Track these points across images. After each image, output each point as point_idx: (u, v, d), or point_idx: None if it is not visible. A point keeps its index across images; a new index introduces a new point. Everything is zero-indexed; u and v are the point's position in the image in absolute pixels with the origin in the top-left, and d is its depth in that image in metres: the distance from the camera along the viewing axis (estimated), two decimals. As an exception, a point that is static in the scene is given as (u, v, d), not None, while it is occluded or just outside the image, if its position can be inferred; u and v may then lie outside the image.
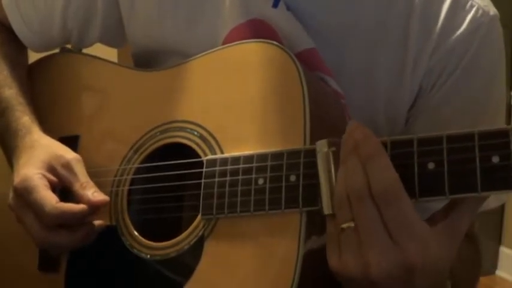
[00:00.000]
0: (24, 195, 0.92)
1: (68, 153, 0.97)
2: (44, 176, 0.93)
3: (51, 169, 0.95)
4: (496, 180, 0.72)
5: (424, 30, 0.95)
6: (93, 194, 0.93)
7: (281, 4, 0.96)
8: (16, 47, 1.13)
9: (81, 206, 0.91)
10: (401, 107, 0.97)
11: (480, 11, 0.95)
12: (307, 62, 0.92)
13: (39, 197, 0.91)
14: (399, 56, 0.95)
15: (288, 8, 0.96)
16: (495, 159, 0.72)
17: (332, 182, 0.76)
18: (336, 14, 0.96)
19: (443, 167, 0.74)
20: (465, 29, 0.94)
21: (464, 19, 0.94)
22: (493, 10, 0.96)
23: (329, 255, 0.75)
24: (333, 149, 0.77)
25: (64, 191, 0.95)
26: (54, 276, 0.99)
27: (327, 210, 0.77)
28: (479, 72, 0.95)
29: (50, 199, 0.91)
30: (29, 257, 1.01)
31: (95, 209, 0.93)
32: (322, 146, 0.78)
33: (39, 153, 0.96)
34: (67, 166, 0.95)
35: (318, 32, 0.95)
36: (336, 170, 0.76)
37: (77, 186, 0.94)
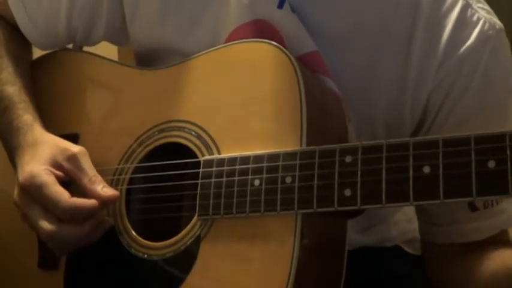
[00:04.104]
0: (32, 192, 0.92)
1: (72, 147, 0.96)
2: (51, 171, 0.93)
3: (56, 164, 0.94)
4: (492, 185, 0.72)
5: (429, 38, 0.94)
6: (103, 189, 0.92)
7: (286, 5, 0.95)
8: (21, 44, 1.13)
9: (93, 201, 0.91)
10: (401, 116, 0.97)
11: (487, 24, 0.94)
12: (310, 65, 0.92)
13: (51, 192, 0.90)
14: (401, 61, 0.95)
15: (293, 10, 0.95)
16: (491, 164, 0.72)
17: None
18: (341, 22, 0.96)
19: (438, 170, 0.74)
20: (473, 42, 0.94)
21: (471, 32, 0.94)
22: (498, 23, 0.96)
23: None
24: None
25: (65, 183, 0.94)
26: (53, 273, 1.00)
27: None
28: (495, 84, 0.95)
29: (62, 194, 0.90)
30: (28, 255, 1.02)
31: (105, 204, 0.92)
32: None
33: (43, 149, 0.96)
34: (73, 159, 0.94)
35: (321, 35, 0.95)
36: None
37: (85, 181, 0.93)
